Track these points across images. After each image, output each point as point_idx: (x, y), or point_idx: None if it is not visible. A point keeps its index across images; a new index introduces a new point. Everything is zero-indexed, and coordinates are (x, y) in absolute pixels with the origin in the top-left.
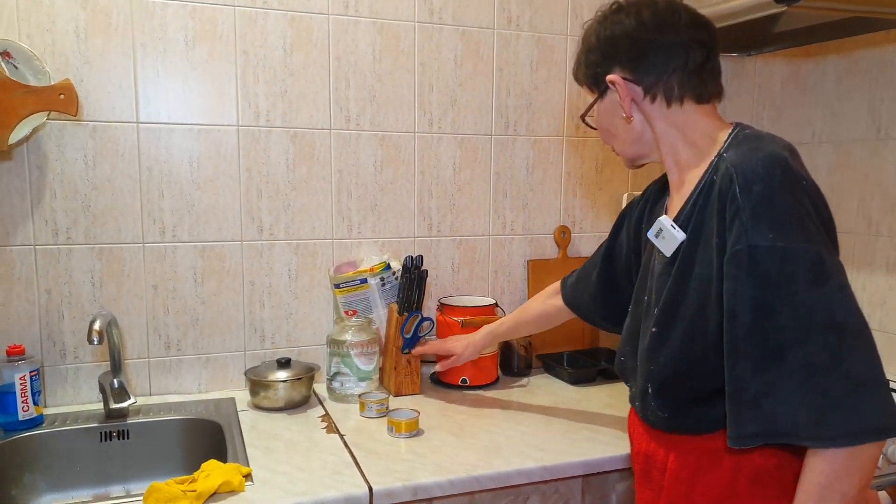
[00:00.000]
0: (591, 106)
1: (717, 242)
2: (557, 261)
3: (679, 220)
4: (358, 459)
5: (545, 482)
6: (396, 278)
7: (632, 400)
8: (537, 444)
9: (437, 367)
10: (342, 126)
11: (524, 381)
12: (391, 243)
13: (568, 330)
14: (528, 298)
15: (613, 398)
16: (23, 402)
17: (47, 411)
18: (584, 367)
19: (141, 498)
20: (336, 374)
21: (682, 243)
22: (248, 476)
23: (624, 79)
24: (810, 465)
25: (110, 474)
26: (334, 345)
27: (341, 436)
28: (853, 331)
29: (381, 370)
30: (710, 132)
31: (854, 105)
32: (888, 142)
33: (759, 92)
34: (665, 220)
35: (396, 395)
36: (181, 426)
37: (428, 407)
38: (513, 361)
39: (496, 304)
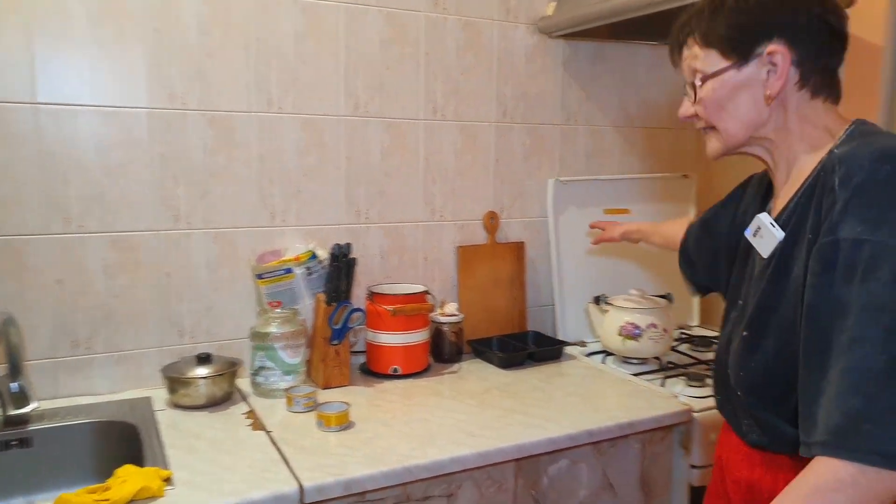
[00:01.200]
0: (722, 72)
1: (809, 238)
2: (487, 246)
3: (780, 219)
4: (286, 456)
5: (478, 468)
6: (323, 267)
7: (721, 409)
8: (470, 431)
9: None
10: (263, 109)
11: (455, 367)
12: (317, 231)
13: (498, 314)
14: (459, 284)
15: (543, 381)
16: None
17: None
18: (514, 351)
19: None
20: (260, 368)
21: (779, 243)
22: (168, 480)
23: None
24: (813, 463)
25: (11, 487)
26: (258, 338)
27: (268, 432)
28: None
29: (309, 362)
30: (831, 128)
31: None
32: None
33: (676, 78)
34: (764, 217)
35: (325, 388)
36: (92, 430)
37: (358, 398)
38: (443, 348)
39: (427, 291)
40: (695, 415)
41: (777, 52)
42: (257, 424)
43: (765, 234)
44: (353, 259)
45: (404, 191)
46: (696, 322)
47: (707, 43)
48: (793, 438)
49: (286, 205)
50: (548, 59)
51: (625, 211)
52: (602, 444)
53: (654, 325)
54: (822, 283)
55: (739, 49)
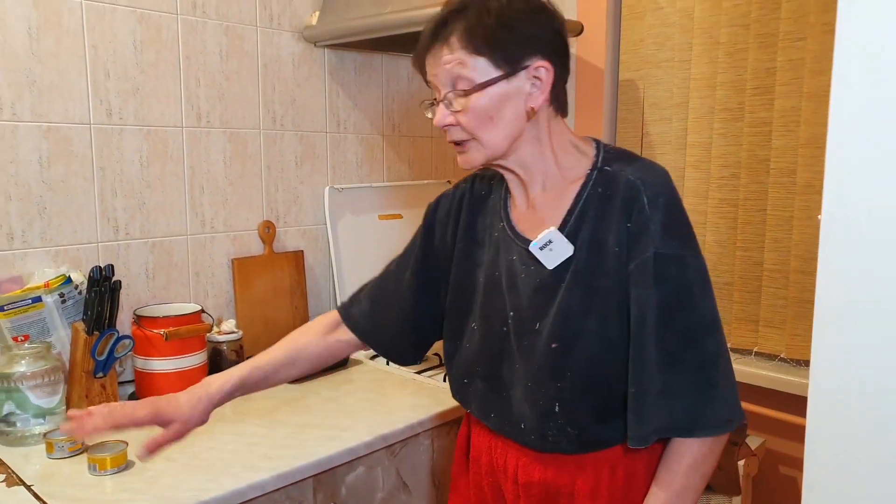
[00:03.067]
0: (494, 82)
1: (616, 252)
2: (264, 257)
3: (564, 232)
4: None
5: (277, 490)
6: (80, 293)
7: (501, 428)
8: (264, 453)
9: (147, 447)
10: None
11: None
12: (68, 251)
13: (280, 326)
14: (236, 299)
15: (333, 390)
16: None
17: None
18: None
19: None
20: (9, 414)
21: (571, 256)
22: None
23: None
24: (679, 449)
25: None
26: (2, 379)
27: (28, 487)
28: (722, 331)
29: (69, 401)
30: (577, 144)
31: None
32: None
33: None
34: (555, 233)
35: None
36: None
37: (132, 434)
38: (222, 368)
39: (202, 310)
40: None
41: (542, 66)
42: (12, 479)
43: (555, 248)
44: (118, 282)
45: (168, 202)
46: None
47: (475, 50)
48: (602, 438)
49: (26, 224)
50: (315, 67)
51: (397, 216)
52: (394, 446)
53: None
54: (649, 292)
55: (510, 60)
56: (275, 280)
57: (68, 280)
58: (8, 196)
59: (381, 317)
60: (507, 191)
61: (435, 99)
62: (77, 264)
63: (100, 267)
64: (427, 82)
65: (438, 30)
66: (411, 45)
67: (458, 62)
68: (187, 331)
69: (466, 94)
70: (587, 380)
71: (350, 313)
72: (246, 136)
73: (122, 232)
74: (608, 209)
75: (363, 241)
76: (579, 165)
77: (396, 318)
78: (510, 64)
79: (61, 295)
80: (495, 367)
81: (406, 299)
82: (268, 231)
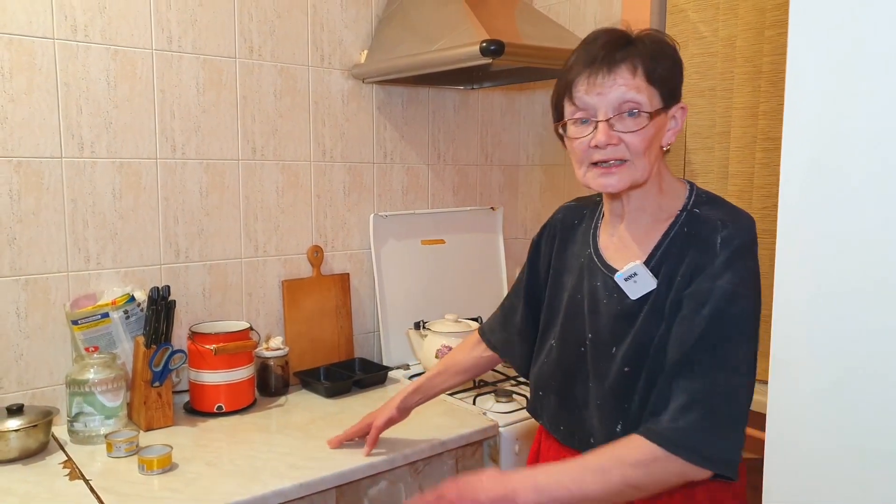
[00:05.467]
0: (660, 112)
1: (679, 282)
2: (312, 279)
3: (649, 265)
4: None
5: (301, 498)
6: (142, 310)
7: (570, 440)
8: (293, 463)
9: (365, 451)
10: (75, 154)
11: (282, 400)
12: (135, 273)
13: (325, 344)
14: (285, 317)
15: (367, 407)
16: None
17: None
18: (341, 379)
19: None
20: (79, 414)
21: (653, 289)
22: None
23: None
24: (635, 441)
25: None
26: (75, 384)
27: (87, 481)
28: (746, 376)
29: (130, 406)
30: (675, 185)
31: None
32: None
33: (481, 120)
34: (641, 266)
35: (148, 430)
36: None
37: (183, 439)
38: (270, 382)
39: (251, 328)
40: (501, 429)
41: (682, 107)
42: (75, 474)
43: (639, 280)
44: (173, 301)
45: (225, 229)
46: None
47: (651, 81)
48: None
49: (101, 247)
50: (363, 102)
51: (440, 241)
52: (417, 464)
53: None
54: (696, 317)
55: (671, 97)
56: (322, 301)
57: (132, 298)
58: (86, 223)
59: (508, 337)
60: (598, 221)
61: (585, 118)
62: (142, 284)
63: (158, 288)
64: (571, 99)
65: (616, 53)
66: (457, 78)
67: (635, 87)
68: (235, 346)
69: (642, 116)
70: (642, 403)
71: (484, 332)
72: (297, 168)
73: (183, 255)
74: (688, 248)
75: (406, 265)
76: (673, 205)
77: (519, 339)
78: (669, 101)
79: (126, 312)
80: (569, 384)
81: (521, 324)
82: (316, 255)
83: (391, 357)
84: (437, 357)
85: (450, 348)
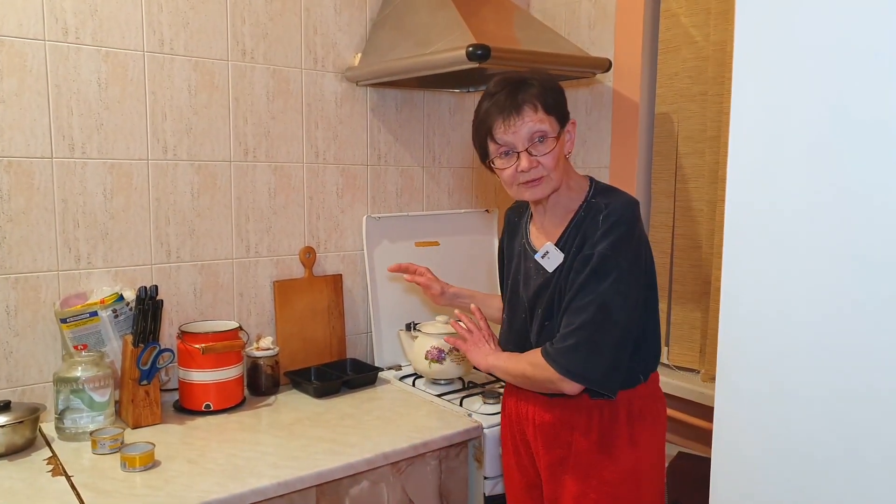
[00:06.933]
0: (562, 134)
1: (574, 251)
2: (304, 280)
3: (559, 244)
4: (86, 501)
5: (279, 497)
6: (131, 309)
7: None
8: (274, 462)
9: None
10: (66, 154)
11: (271, 399)
12: (126, 272)
13: (316, 344)
14: (276, 318)
15: (354, 407)
16: None
17: None
18: (332, 379)
19: None
20: (65, 410)
21: (562, 262)
22: None
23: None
24: (535, 354)
25: None
26: (62, 382)
27: (69, 477)
28: (618, 314)
29: (119, 403)
30: (580, 182)
31: None
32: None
33: None
34: (551, 246)
35: (135, 428)
36: None
37: (168, 437)
38: (260, 381)
39: (240, 328)
40: (485, 430)
41: (573, 122)
42: (58, 470)
43: (551, 256)
44: (160, 301)
45: (216, 229)
46: None
47: (548, 111)
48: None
49: (91, 247)
50: (357, 105)
51: (434, 243)
52: (400, 464)
53: (456, 349)
54: (581, 277)
55: (564, 118)
56: (313, 302)
57: (121, 298)
58: (77, 223)
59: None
60: (528, 218)
61: (507, 151)
62: (133, 284)
63: (146, 287)
64: (494, 140)
65: (515, 98)
66: (452, 81)
67: (538, 120)
68: (223, 346)
69: (549, 140)
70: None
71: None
72: (290, 170)
73: (174, 255)
74: (584, 227)
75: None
76: (578, 198)
77: None
78: (563, 121)
79: (114, 311)
80: (521, 342)
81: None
82: (308, 256)
83: (383, 358)
84: (426, 358)
85: (439, 350)
